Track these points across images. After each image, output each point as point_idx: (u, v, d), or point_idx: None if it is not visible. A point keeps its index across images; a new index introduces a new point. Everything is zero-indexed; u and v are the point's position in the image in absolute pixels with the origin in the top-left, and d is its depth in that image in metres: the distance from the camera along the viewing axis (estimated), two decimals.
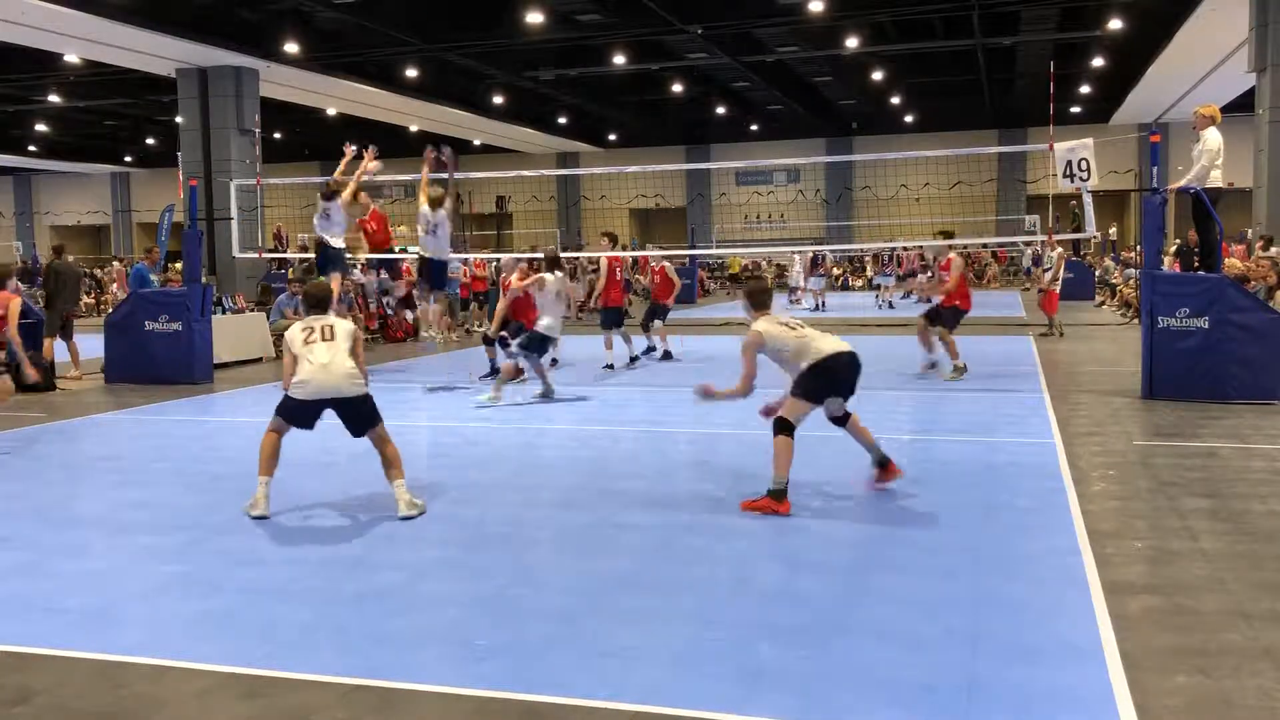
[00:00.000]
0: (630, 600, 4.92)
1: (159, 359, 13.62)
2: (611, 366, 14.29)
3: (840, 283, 40.79)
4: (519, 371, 11.87)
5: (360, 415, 6.79)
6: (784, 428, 6.69)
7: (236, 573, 5.44)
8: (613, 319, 14.67)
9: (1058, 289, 19.00)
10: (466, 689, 3.94)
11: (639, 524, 6.31)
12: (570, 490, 7.27)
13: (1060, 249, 19.35)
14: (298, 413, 6.83)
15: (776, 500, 6.48)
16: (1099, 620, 4.51)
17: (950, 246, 13.67)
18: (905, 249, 31.47)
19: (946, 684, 3.91)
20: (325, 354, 6.68)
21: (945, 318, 12.91)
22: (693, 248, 36.53)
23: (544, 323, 11.40)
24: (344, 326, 6.91)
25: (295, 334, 6.88)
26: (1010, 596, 4.87)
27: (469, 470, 8.01)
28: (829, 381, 6.85)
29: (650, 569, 5.41)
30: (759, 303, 7.17)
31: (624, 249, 22.57)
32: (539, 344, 11.41)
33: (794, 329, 6.97)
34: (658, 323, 15.89)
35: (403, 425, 10.17)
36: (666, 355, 15.67)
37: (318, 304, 7.06)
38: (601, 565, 5.48)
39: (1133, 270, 23.73)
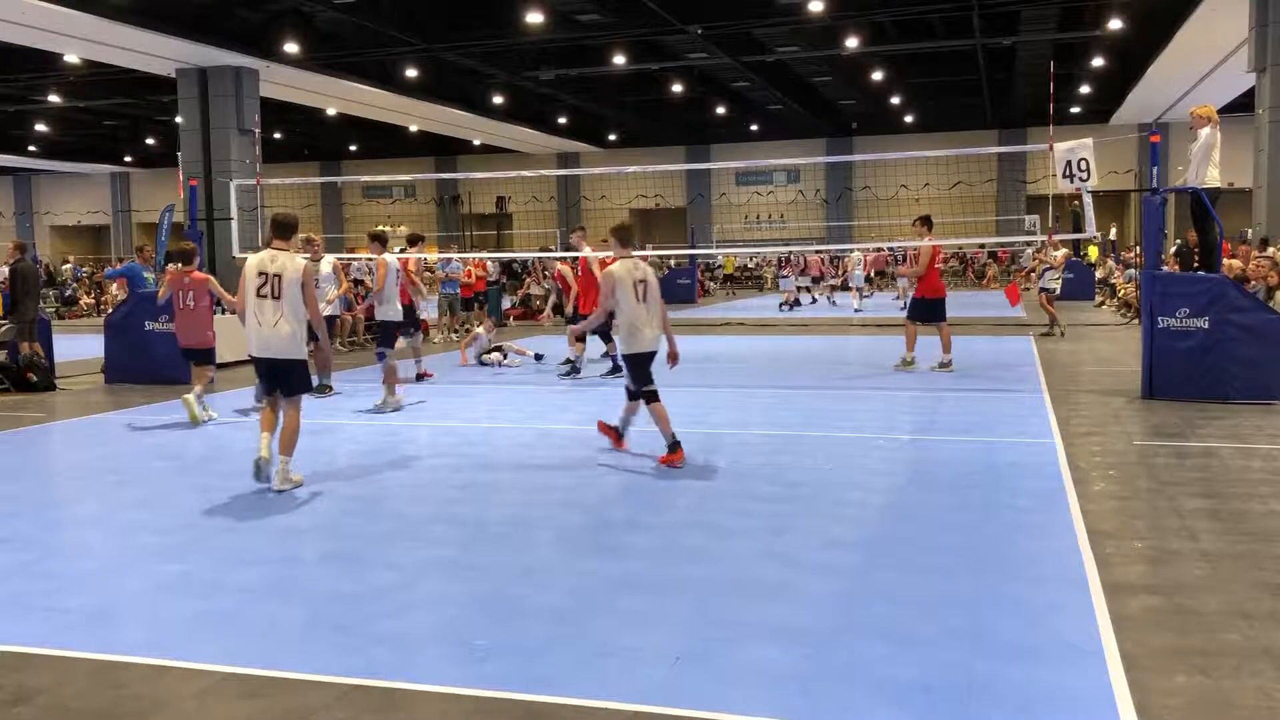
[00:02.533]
0: (630, 600, 4.91)
1: (159, 359, 13.60)
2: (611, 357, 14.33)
3: (842, 283, 40.80)
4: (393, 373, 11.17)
5: (289, 380, 7.47)
6: (649, 398, 8.18)
7: (236, 573, 5.44)
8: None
9: (1018, 284, 19.19)
10: (466, 689, 3.94)
11: (639, 524, 6.31)
12: (570, 490, 7.27)
13: (1065, 249, 19.38)
14: (259, 372, 7.66)
15: (672, 451, 7.97)
16: (1099, 620, 4.51)
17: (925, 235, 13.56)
18: (803, 253, 32.03)
19: (946, 684, 3.91)
20: (271, 315, 7.34)
21: (922, 310, 13.54)
22: (693, 248, 36.55)
23: (384, 309, 11.20)
24: (291, 276, 7.34)
25: (251, 274, 7.41)
26: (1010, 596, 4.87)
27: (469, 470, 8.01)
28: (644, 370, 8.26)
29: (650, 569, 5.41)
30: (623, 239, 8.39)
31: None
32: (387, 336, 11.14)
33: (639, 300, 8.08)
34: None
35: (403, 425, 10.19)
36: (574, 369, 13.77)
37: (282, 230, 7.58)
38: (601, 565, 5.48)
39: (1133, 270, 23.74)
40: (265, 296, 7.34)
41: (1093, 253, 36.06)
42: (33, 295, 14.24)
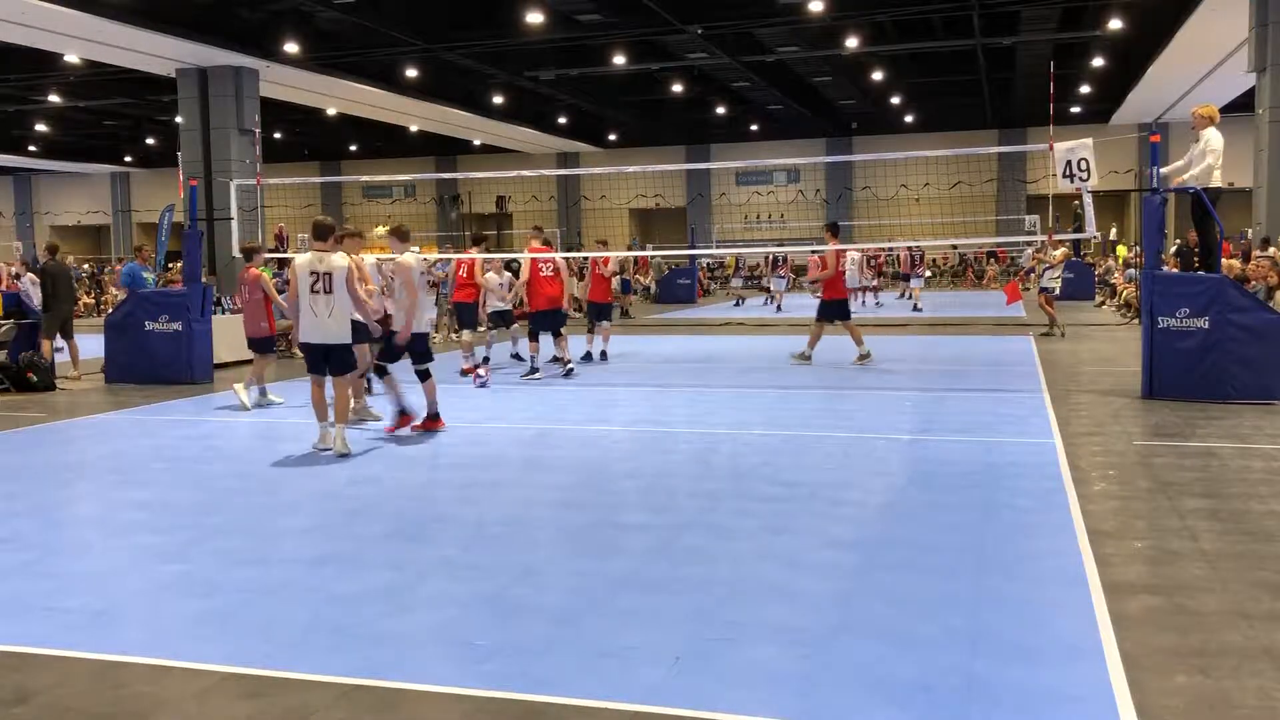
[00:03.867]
0: (630, 600, 4.91)
1: (159, 359, 13.61)
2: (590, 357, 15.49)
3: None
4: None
5: (338, 360, 8.72)
6: (383, 371, 9.54)
7: (236, 573, 5.43)
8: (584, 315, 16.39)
9: (1020, 284, 19.30)
10: (466, 689, 3.94)
11: (639, 524, 6.31)
12: (570, 490, 7.27)
13: (1065, 248, 19.42)
14: (308, 357, 8.80)
15: (435, 420, 9.51)
16: (1099, 620, 4.51)
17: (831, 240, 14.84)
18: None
19: (946, 684, 3.91)
20: (325, 307, 8.53)
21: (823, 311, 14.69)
22: (693, 247, 36.57)
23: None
24: (339, 277, 8.51)
25: (303, 273, 8.55)
26: (1010, 596, 4.87)
27: (469, 470, 8.02)
28: (399, 353, 9.51)
29: (650, 569, 5.41)
30: (401, 237, 9.77)
31: (629, 248, 22.35)
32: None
33: (426, 290, 9.70)
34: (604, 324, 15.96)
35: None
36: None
37: (320, 232, 8.68)
38: (601, 565, 5.48)
39: (1133, 270, 23.73)
40: (319, 292, 8.51)
41: (1121, 252, 36.03)
42: (64, 295, 14.48)
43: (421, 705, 3.85)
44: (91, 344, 15.39)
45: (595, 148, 46.62)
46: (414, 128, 40.30)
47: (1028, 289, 23.97)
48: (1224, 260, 12.48)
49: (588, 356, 15.45)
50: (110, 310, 17.95)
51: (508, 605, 4.87)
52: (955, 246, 43.09)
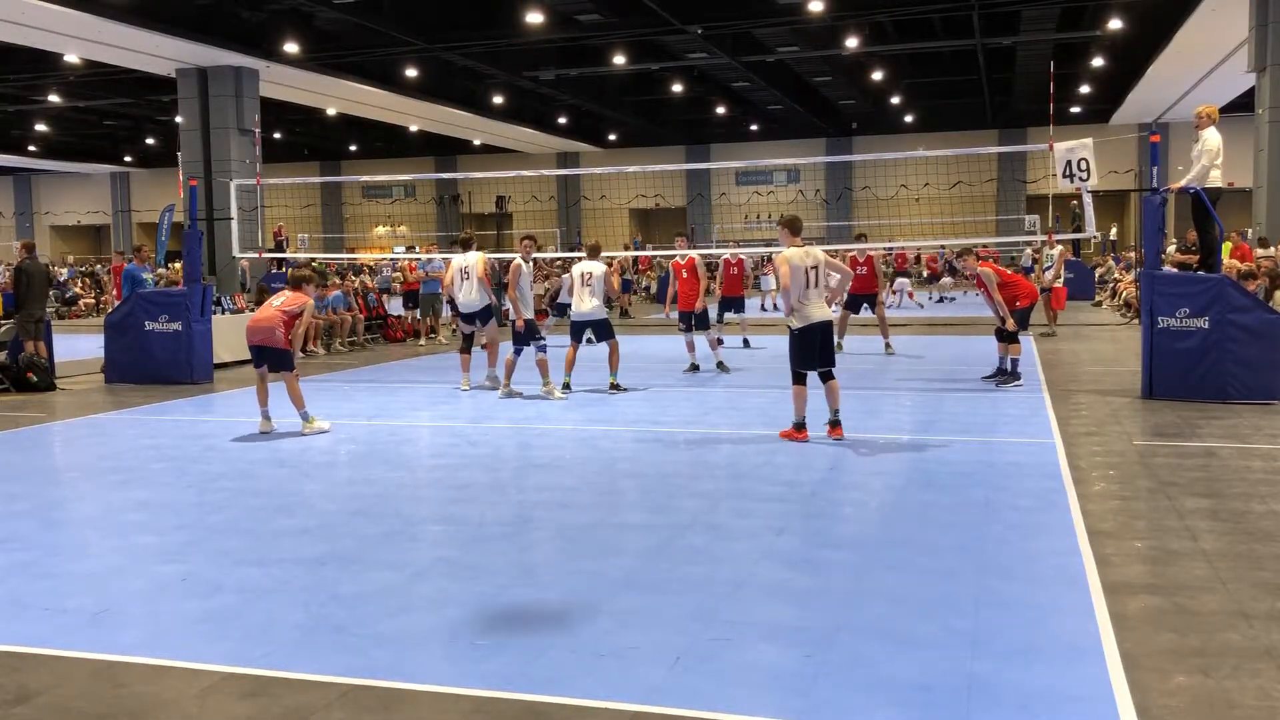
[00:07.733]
0: (630, 600, 4.91)
1: (159, 359, 13.61)
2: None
3: None
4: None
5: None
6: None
7: (236, 573, 5.43)
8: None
9: (1060, 283, 19.23)
10: (466, 689, 3.94)
11: (639, 524, 6.31)
12: (570, 490, 7.26)
13: (1061, 247, 19.46)
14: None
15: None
16: (1099, 620, 4.51)
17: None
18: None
19: (946, 684, 3.91)
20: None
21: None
22: (693, 247, 36.58)
23: None
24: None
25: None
26: (1010, 596, 4.87)
27: (469, 470, 8.01)
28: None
29: (650, 569, 5.41)
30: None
31: (624, 248, 22.25)
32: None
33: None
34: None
35: (403, 425, 10.19)
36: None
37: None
38: (601, 565, 5.48)
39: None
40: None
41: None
42: (39, 295, 14.24)
43: (421, 705, 3.85)
44: (91, 344, 15.38)
45: (595, 148, 46.61)
46: (414, 128, 40.32)
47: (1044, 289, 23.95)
48: (1225, 260, 12.48)
49: None
50: (110, 310, 17.94)
51: (508, 605, 4.87)
52: (910, 249, 42.85)
